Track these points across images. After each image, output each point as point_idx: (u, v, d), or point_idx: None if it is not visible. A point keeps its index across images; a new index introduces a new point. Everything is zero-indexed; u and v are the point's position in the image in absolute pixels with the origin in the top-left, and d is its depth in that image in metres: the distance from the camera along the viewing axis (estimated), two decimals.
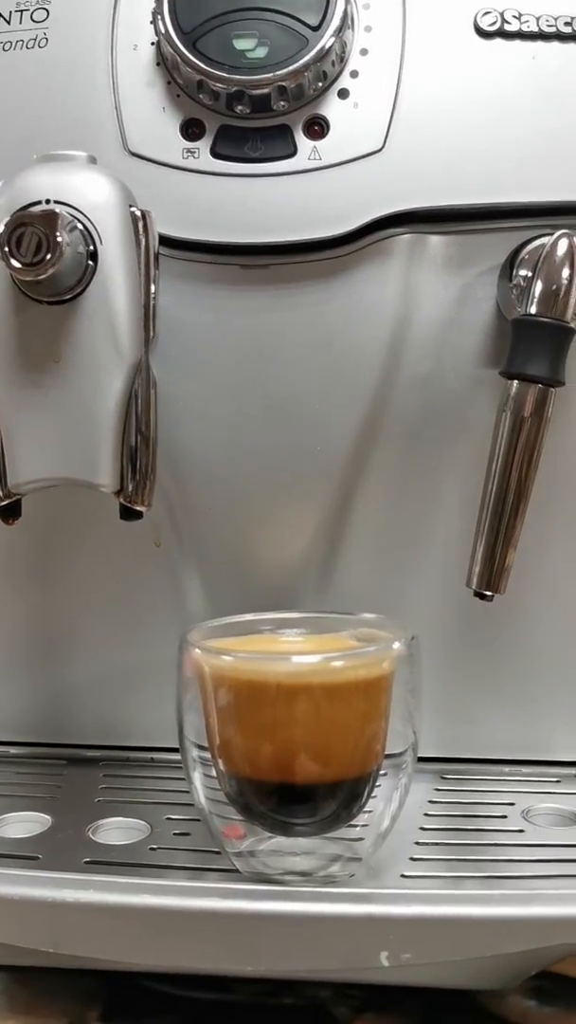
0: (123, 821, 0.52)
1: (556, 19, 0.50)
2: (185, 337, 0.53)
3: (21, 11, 0.52)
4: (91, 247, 0.44)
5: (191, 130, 0.51)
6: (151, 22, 0.51)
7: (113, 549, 0.57)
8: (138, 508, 0.48)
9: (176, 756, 0.48)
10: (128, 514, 0.48)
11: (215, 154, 0.50)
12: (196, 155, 0.51)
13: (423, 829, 0.51)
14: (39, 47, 0.52)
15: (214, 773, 0.46)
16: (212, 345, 0.53)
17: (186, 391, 0.53)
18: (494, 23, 0.50)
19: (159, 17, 0.50)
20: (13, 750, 0.60)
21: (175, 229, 0.50)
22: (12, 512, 0.48)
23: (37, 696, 0.60)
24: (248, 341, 0.53)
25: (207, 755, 0.47)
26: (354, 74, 0.51)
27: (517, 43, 0.51)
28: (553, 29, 0.50)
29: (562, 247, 0.47)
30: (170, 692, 0.48)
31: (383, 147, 0.50)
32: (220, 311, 0.53)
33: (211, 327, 0.53)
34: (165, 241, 0.50)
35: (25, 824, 0.52)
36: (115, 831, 0.51)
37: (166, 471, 0.53)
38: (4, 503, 0.48)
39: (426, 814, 0.52)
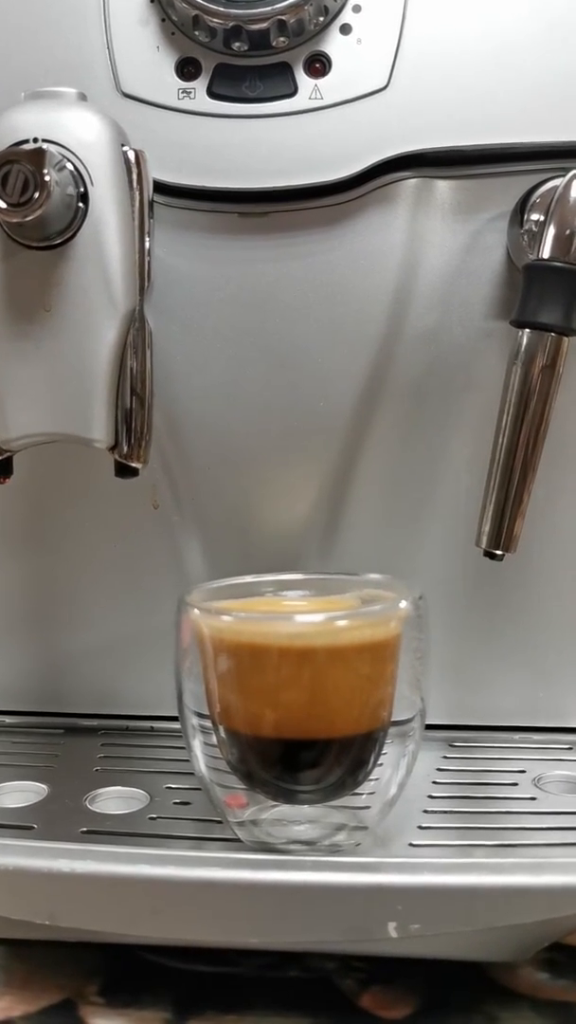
0: (122, 791, 0.51)
1: None
2: (181, 289, 0.51)
3: None
4: (81, 188, 0.43)
5: (187, 69, 0.49)
6: None
7: (110, 511, 0.55)
8: (133, 465, 0.46)
9: (176, 725, 0.47)
10: (123, 471, 0.47)
11: (212, 94, 0.49)
12: (192, 95, 0.49)
13: (431, 797, 0.50)
14: None
15: (215, 741, 0.45)
16: (209, 297, 0.51)
17: (182, 345, 0.52)
18: None
19: None
20: (9, 719, 0.59)
21: (170, 174, 0.49)
22: (3, 470, 0.47)
23: (33, 664, 0.59)
24: (247, 293, 0.51)
25: (207, 723, 0.45)
26: (356, 8, 0.49)
27: None
28: None
29: None
30: (169, 659, 0.46)
31: (387, 85, 0.48)
32: (217, 261, 0.51)
33: (208, 278, 0.51)
34: (159, 187, 0.49)
35: (21, 794, 0.51)
36: (114, 800, 0.50)
37: (162, 428, 0.52)
38: None
39: (434, 782, 0.52)
